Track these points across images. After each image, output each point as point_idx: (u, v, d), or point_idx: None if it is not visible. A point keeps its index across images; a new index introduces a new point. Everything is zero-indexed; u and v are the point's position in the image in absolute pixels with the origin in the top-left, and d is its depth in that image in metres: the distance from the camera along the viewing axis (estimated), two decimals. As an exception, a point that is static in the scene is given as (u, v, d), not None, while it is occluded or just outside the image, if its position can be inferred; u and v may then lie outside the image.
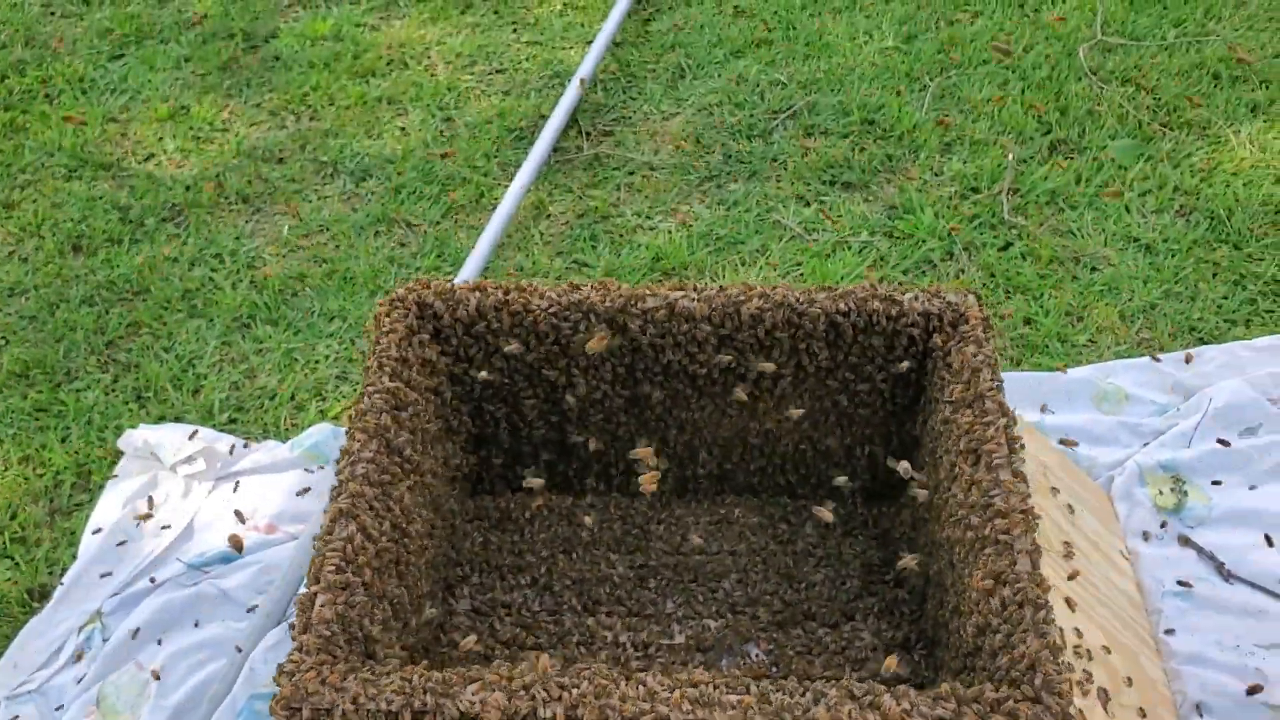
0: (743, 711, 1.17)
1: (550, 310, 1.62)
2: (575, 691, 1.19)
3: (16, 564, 2.29)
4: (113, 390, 2.64)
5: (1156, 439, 2.37)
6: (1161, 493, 2.27)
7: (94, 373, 2.68)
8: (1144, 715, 1.91)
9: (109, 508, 2.34)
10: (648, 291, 1.62)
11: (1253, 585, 2.13)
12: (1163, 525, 2.22)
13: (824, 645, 1.64)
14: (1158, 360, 2.52)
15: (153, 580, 2.20)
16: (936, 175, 3.09)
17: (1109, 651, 1.91)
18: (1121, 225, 2.89)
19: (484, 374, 1.68)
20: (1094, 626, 1.94)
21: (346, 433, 1.48)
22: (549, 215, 3.05)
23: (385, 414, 1.48)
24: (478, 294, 1.64)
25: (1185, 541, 2.21)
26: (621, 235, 2.98)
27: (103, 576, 2.23)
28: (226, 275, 2.91)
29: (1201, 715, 1.96)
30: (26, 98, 3.54)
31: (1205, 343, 2.60)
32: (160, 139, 3.36)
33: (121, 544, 2.26)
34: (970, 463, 1.41)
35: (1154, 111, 3.22)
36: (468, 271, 2.74)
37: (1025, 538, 1.30)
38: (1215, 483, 2.28)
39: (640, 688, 1.18)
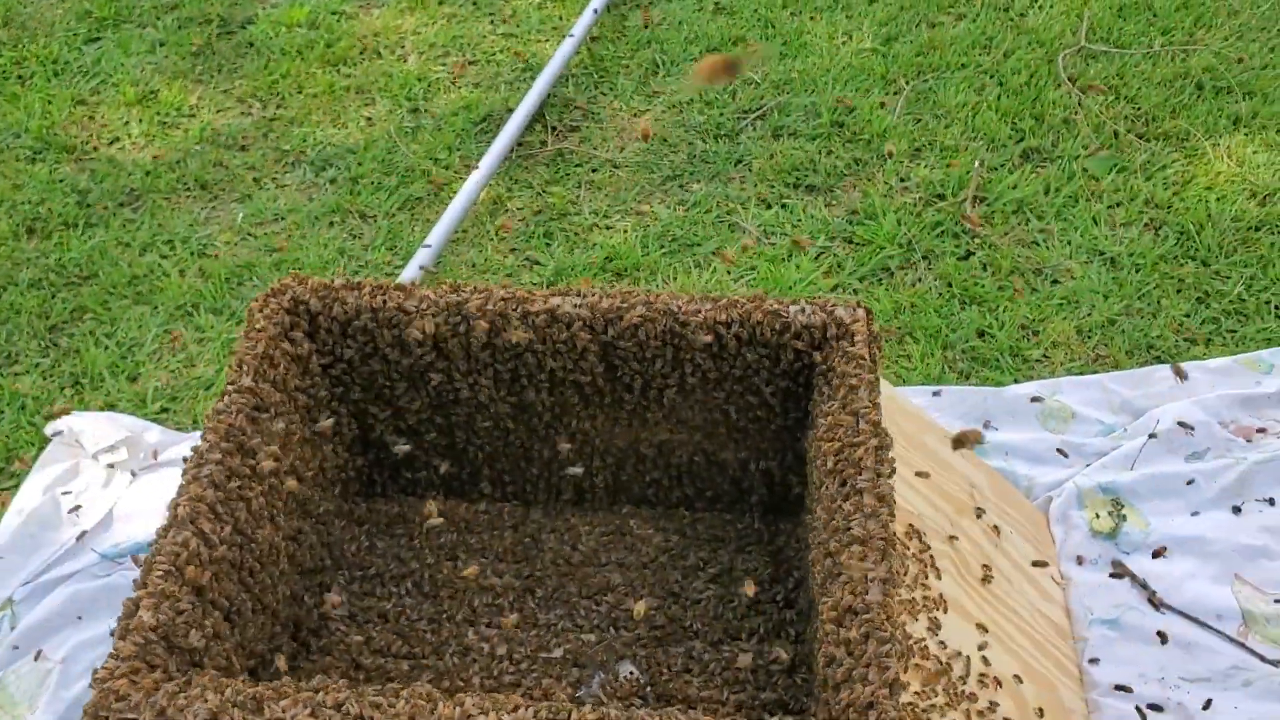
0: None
1: (428, 313, 1.57)
2: (390, 711, 1.14)
3: (-66, 549, 2.27)
4: (50, 375, 2.62)
5: (1099, 460, 2.30)
6: (1099, 516, 2.20)
7: (33, 357, 2.66)
8: (1056, 748, 1.85)
9: (29, 494, 2.31)
10: (528, 296, 1.58)
11: (1184, 615, 2.06)
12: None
13: (703, 665, 1.59)
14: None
15: (65, 570, 2.18)
16: (902, 181, 3.02)
17: (1020, 681, 1.85)
18: (1088, 238, 2.81)
19: (359, 374, 1.63)
20: (1007, 654, 1.87)
21: (202, 433, 1.44)
22: (506, 211, 3.01)
23: (241, 414, 1.44)
24: (355, 293, 1.60)
25: (1118, 568, 2.14)
26: (577, 234, 2.93)
27: (17, 564, 2.20)
28: (175, 262, 2.88)
29: (1119, 749, 1.90)
30: (-1, 78, 3.53)
31: (1162, 361, 2.53)
32: (126, 123, 3.35)
33: (38, 532, 2.24)
34: (836, 484, 1.36)
35: (1132, 121, 3.13)
36: (414, 266, 2.71)
37: (880, 566, 1.25)
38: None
39: (457, 709, 1.14)
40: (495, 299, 1.57)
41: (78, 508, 2.27)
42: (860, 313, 1.53)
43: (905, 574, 1.77)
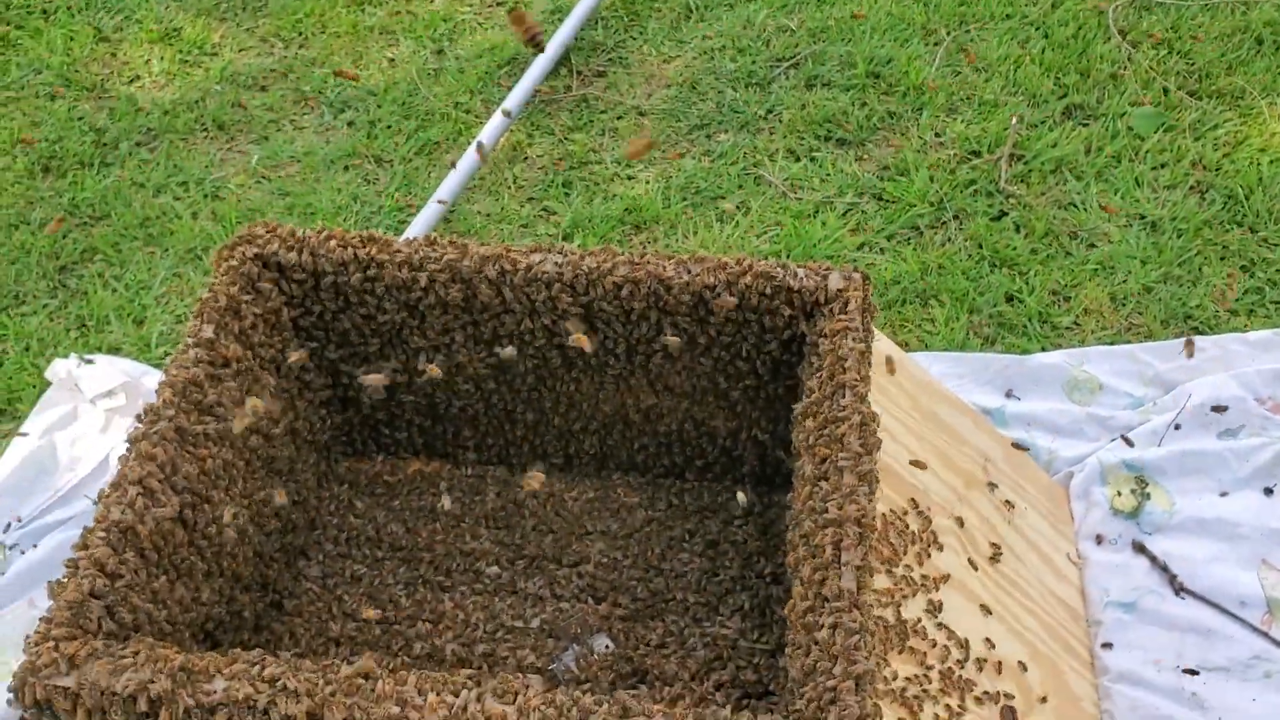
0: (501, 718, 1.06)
1: (402, 265, 1.50)
2: (326, 688, 1.09)
3: (-67, 489, 2.26)
4: (57, 316, 2.59)
5: (1129, 433, 2.19)
6: (1120, 494, 2.10)
7: (42, 298, 2.63)
8: (1060, 735, 1.77)
9: (28, 438, 2.29)
10: (506, 252, 1.50)
11: (1205, 601, 1.97)
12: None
13: (682, 640, 1.52)
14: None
15: (59, 516, 2.16)
16: (937, 136, 2.89)
17: (1024, 669, 1.77)
18: (1129, 200, 2.68)
19: (333, 330, 1.56)
20: (1012, 637, 1.79)
21: (157, 388, 1.39)
22: (525, 158, 2.92)
23: (199, 368, 1.39)
24: (329, 242, 1.52)
25: (1139, 548, 2.04)
26: (597, 184, 2.84)
27: (11, 507, 2.18)
28: (188, 204, 2.83)
29: (1126, 739, 1.81)
30: (22, 13, 3.48)
31: (1200, 332, 2.40)
32: (147, 61, 3.29)
33: (34, 477, 2.21)
34: (816, 461, 1.28)
35: (1183, 78, 2.98)
36: (426, 215, 2.64)
37: (854, 550, 1.17)
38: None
39: (397, 687, 1.08)
40: (472, 255, 1.50)
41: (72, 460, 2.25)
42: (856, 278, 1.44)
43: (904, 552, 1.69)
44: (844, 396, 1.32)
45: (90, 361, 2.35)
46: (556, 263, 1.49)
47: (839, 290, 1.43)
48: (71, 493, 2.20)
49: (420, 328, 1.58)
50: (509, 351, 1.54)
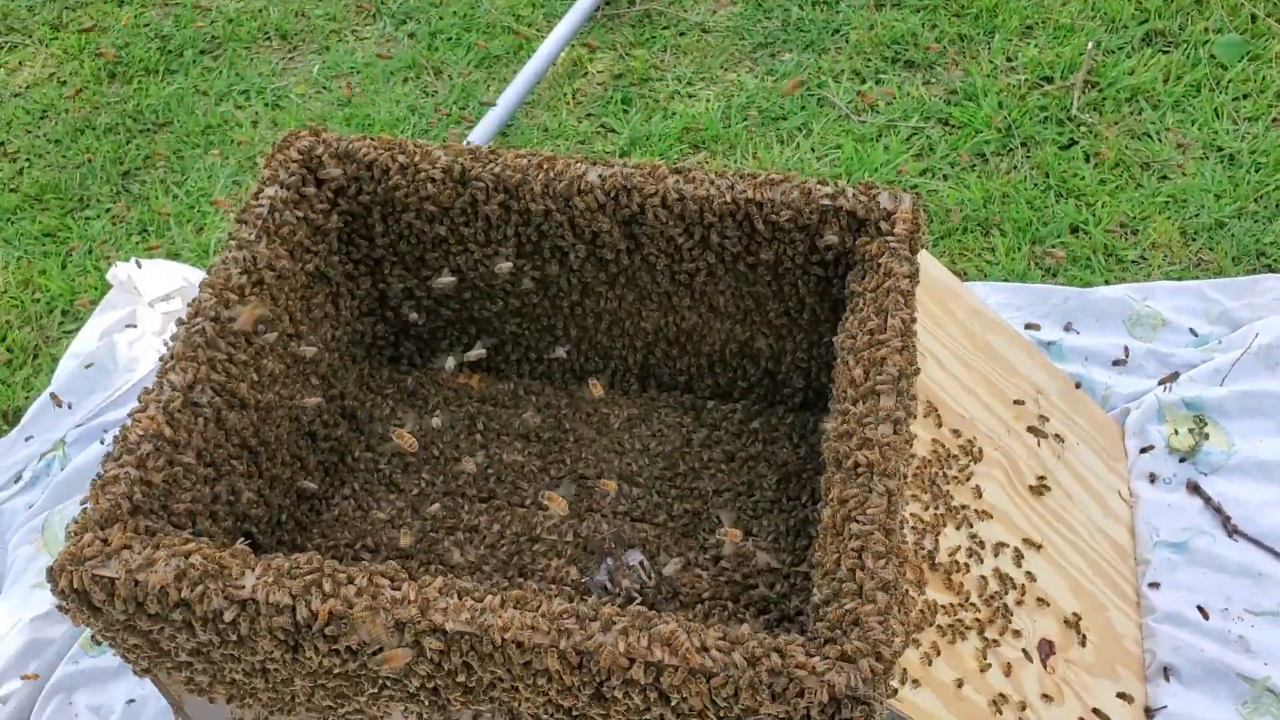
0: (522, 626, 1.07)
1: (446, 173, 1.49)
2: (351, 589, 1.10)
3: (-3, 385, 2.32)
4: (120, 221, 2.63)
5: (1187, 372, 2.13)
6: (1178, 432, 2.05)
7: (105, 202, 2.67)
8: (1100, 672, 1.74)
9: (88, 339, 2.33)
10: (549, 161, 1.48)
11: (1258, 544, 1.92)
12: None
13: (713, 560, 1.52)
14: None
15: (117, 416, 2.20)
16: (1009, 60, 2.81)
17: (1065, 604, 1.74)
18: (1206, 131, 2.58)
19: (378, 239, 1.55)
20: (1053, 570, 1.77)
21: (198, 290, 1.39)
22: (585, 74, 2.89)
23: (240, 272, 1.39)
24: (373, 149, 1.51)
25: (1193, 488, 2.00)
26: (657, 101, 2.80)
27: (70, 406, 2.23)
28: (249, 113, 2.84)
29: (1168, 679, 1.79)
30: (91, -83, 3.49)
31: (1274, 270, 2.32)
32: (213, -33, 3.29)
33: (94, 377, 2.26)
34: (854, 383, 1.25)
35: (1273, 3, 2.85)
36: (484, 127, 2.62)
37: (887, 474, 1.15)
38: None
39: (418, 591, 1.09)
40: (516, 164, 1.48)
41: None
42: (906, 200, 1.40)
43: (946, 481, 1.66)
44: (886, 319, 1.29)
45: (139, 267, 2.38)
46: (600, 174, 1.47)
47: (888, 211, 1.39)
48: (129, 393, 2.24)
49: (462, 237, 1.57)
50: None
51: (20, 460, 2.17)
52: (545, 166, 1.48)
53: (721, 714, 1.09)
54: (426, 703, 1.19)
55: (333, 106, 2.83)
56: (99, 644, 1.86)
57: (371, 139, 1.55)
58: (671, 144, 2.68)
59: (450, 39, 2.98)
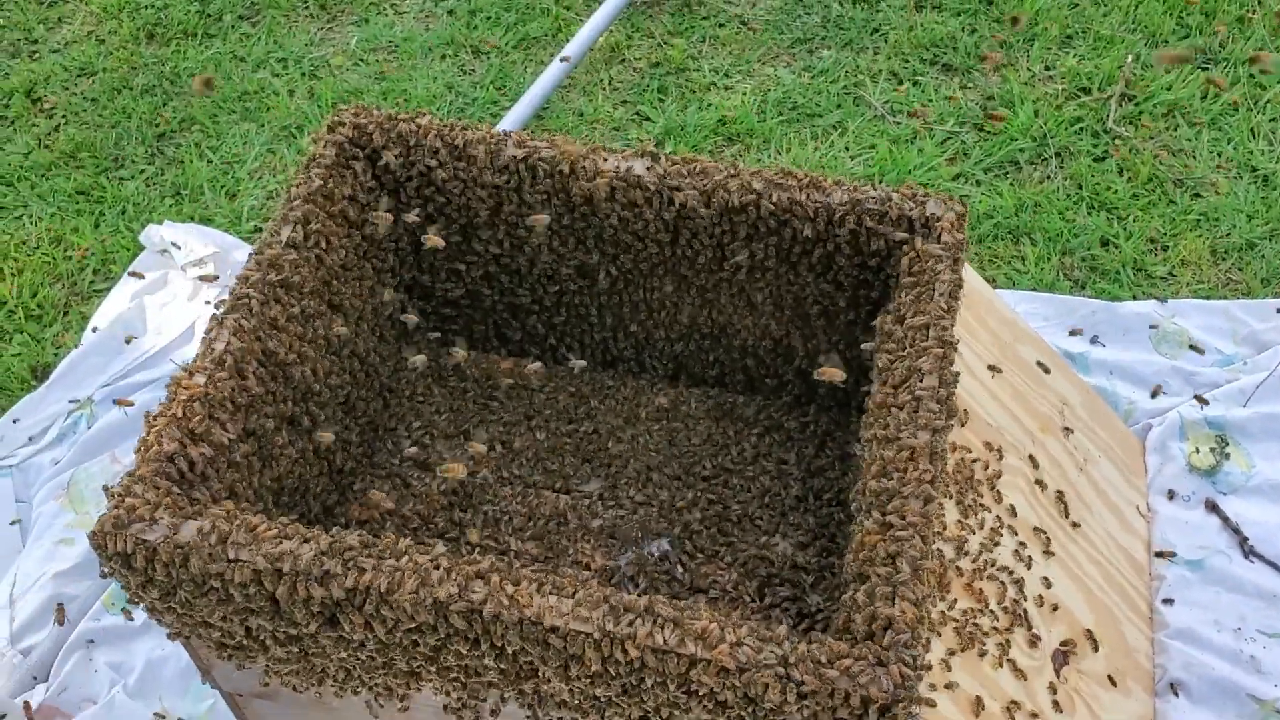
0: (559, 613, 1.08)
1: (492, 157, 1.50)
2: (389, 562, 1.12)
3: (27, 341, 2.33)
4: (154, 183, 2.64)
5: (1211, 391, 2.14)
6: (1199, 450, 2.06)
7: (139, 163, 2.68)
8: (1111, 684, 1.76)
9: (119, 299, 2.35)
10: (595, 151, 1.48)
11: (1274, 567, 1.94)
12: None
13: (737, 556, 1.53)
14: None
15: (145, 377, 2.21)
16: (1047, 69, 2.81)
17: (1079, 614, 1.76)
18: (1242, 150, 2.58)
19: (413, 216, 1.57)
20: (1070, 581, 1.78)
21: (245, 263, 1.41)
22: (623, 60, 2.89)
23: (288, 247, 1.40)
24: (421, 131, 1.52)
25: (1211, 507, 2.01)
26: (693, 91, 2.81)
27: (100, 365, 2.25)
28: (286, 82, 2.85)
29: (1176, 694, 1.81)
30: (136, -124, 3.49)
31: (1302, 294, 2.33)
32: (256, -68, 3.29)
33: (123, 337, 2.27)
34: (892, 388, 1.26)
35: (1315, 26, 2.84)
36: (519, 110, 2.63)
37: (924, 482, 1.16)
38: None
39: (456, 573, 1.11)
40: (562, 151, 1.48)
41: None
42: (955, 208, 1.41)
43: (972, 488, 1.67)
44: (930, 331, 1.30)
45: (177, 247, 2.39)
46: (647, 166, 1.48)
47: (935, 217, 1.40)
48: (158, 355, 2.25)
49: (505, 221, 1.58)
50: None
51: (48, 416, 2.18)
52: (593, 154, 1.49)
53: (749, 711, 1.11)
54: (459, 682, 1.21)
55: (369, 80, 2.84)
56: (130, 604, 1.88)
57: (420, 117, 1.56)
58: (706, 135, 2.69)
59: (490, 18, 2.98)
